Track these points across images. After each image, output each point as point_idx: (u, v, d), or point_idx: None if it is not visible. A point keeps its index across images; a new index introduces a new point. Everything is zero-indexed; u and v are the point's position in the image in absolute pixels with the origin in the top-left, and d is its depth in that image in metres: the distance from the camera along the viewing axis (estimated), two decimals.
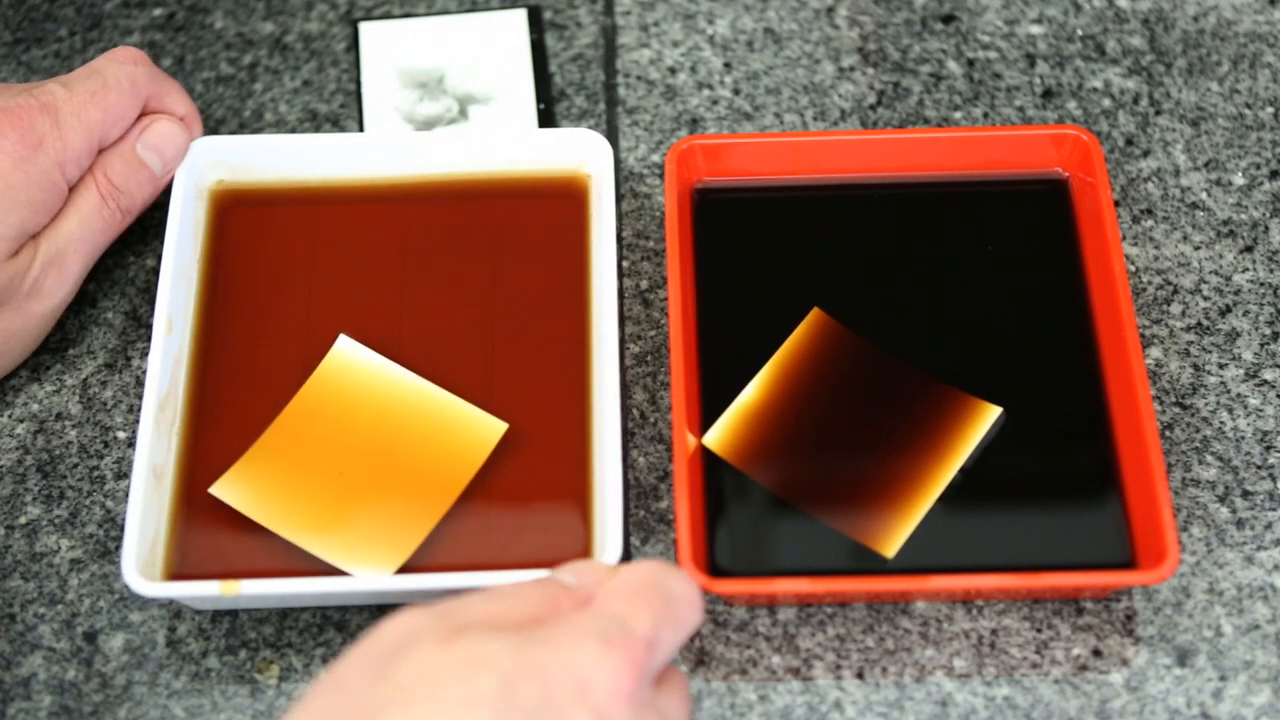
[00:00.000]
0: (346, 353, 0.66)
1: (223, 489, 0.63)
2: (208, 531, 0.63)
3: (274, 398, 0.65)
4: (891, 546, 0.62)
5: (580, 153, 0.69)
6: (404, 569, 0.61)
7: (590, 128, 0.74)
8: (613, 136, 0.74)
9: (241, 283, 0.68)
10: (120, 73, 0.66)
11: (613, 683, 0.48)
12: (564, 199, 0.69)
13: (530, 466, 0.64)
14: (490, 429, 0.64)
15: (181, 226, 0.67)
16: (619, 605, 0.50)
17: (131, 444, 0.67)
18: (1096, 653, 0.62)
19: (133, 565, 0.59)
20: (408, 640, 0.48)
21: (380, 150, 0.70)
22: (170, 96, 0.68)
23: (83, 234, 0.65)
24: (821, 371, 0.66)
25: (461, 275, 0.68)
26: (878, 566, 0.62)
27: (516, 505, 0.63)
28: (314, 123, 0.75)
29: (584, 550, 0.62)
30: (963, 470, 0.63)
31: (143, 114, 0.67)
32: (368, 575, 0.61)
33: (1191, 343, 0.68)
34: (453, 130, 0.74)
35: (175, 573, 0.62)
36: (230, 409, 0.65)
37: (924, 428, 0.64)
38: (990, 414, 0.64)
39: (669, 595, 0.51)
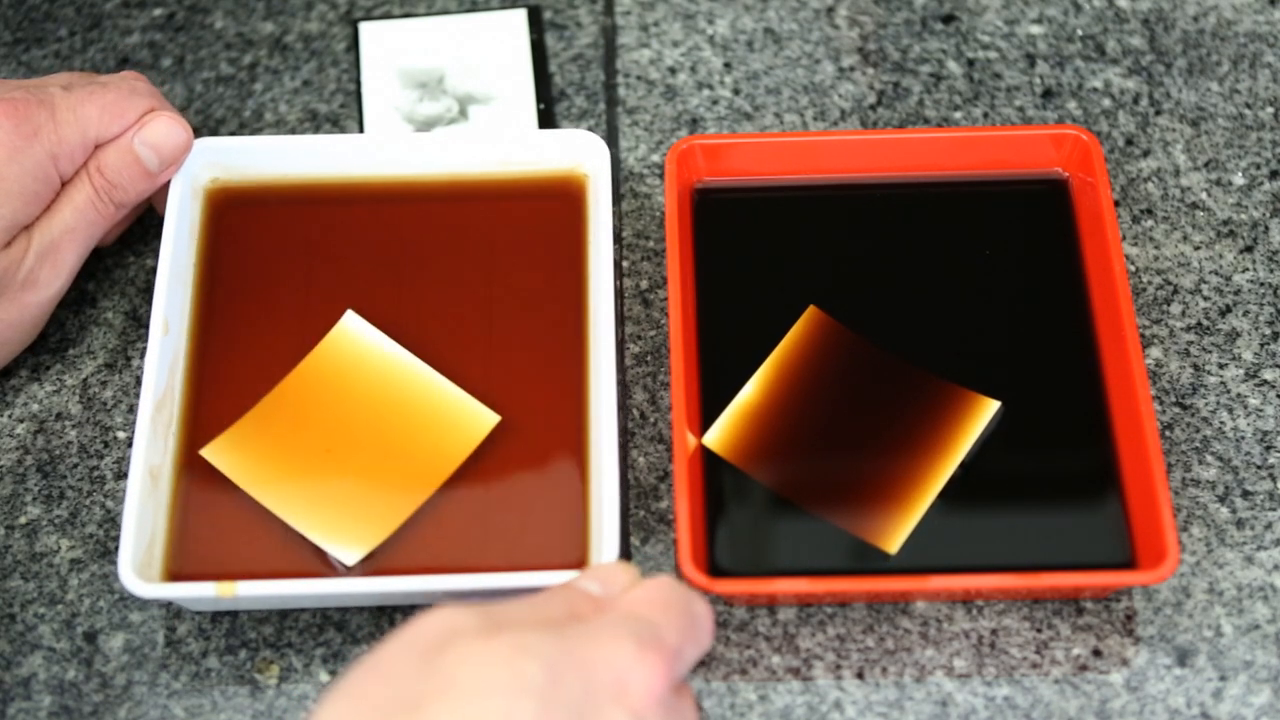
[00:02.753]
0: (352, 329, 0.66)
1: (213, 453, 0.63)
2: (205, 532, 0.63)
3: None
4: (894, 542, 0.62)
5: (577, 153, 0.69)
6: (388, 560, 0.62)
7: (590, 128, 0.74)
8: (613, 136, 0.74)
9: (239, 283, 0.68)
10: (121, 81, 0.66)
11: (648, 684, 0.48)
12: (561, 199, 0.69)
13: (528, 467, 0.64)
14: (482, 420, 0.64)
15: (178, 227, 0.67)
16: (651, 613, 0.51)
17: (131, 444, 0.67)
18: (1096, 653, 0.62)
19: (129, 566, 0.59)
20: (450, 633, 0.49)
21: (376, 150, 0.70)
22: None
23: (76, 224, 0.65)
24: (819, 369, 0.66)
25: (458, 276, 0.68)
26: (879, 565, 0.62)
27: (514, 506, 0.63)
28: (314, 123, 0.75)
29: (581, 550, 0.62)
30: (963, 467, 0.63)
31: None
32: (339, 552, 0.61)
33: (1191, 343, 0.68)
34: (450, 131, 0.74)
35: (173, 573, 0.62)
36: (227, 409, 0.65)
37: (923, 423, 0.64)
38: (989, 408, 0.64)
39: (691, 613, 0.52)
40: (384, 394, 0.65)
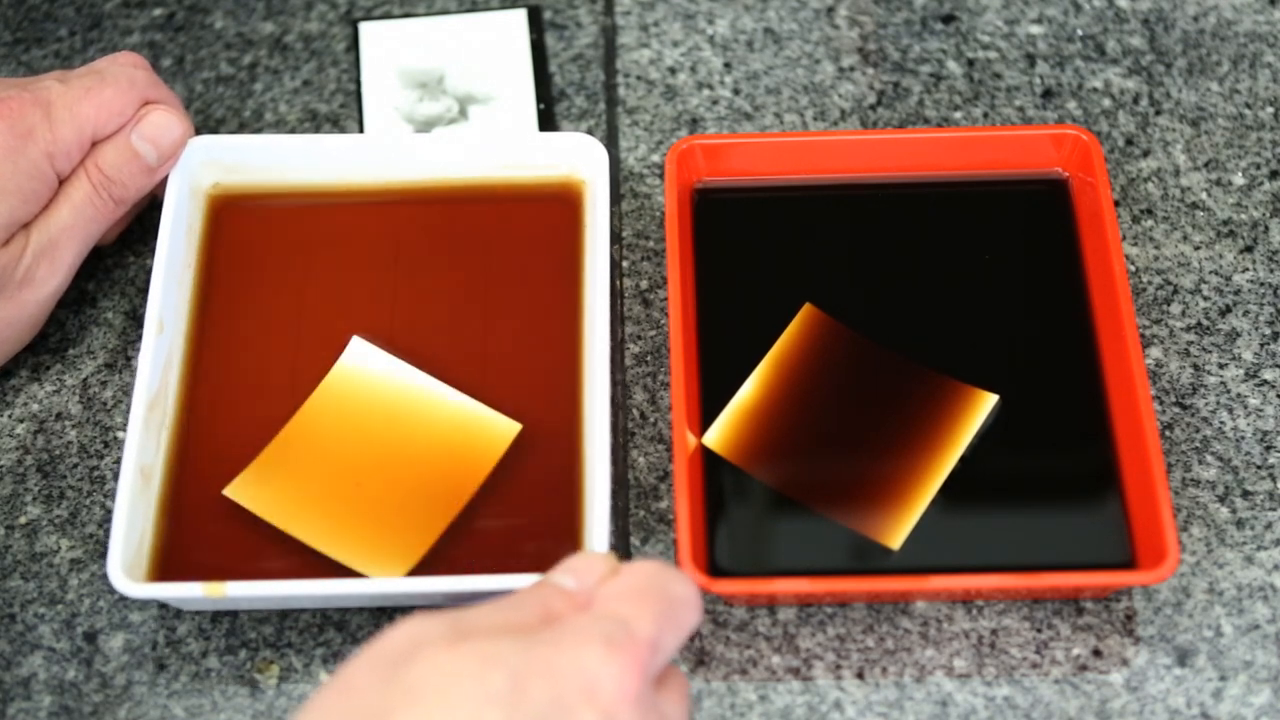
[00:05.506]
0: (361, 355, 0.66)
1: (236, 491, 0.63)
2: (196, 532, 0.63)
3: (266, 398, 0.65)
4: (896, 537, 0.62)
5: (575, 157, 0.69)
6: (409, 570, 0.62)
7: (590, 128, 0.74)
8: (613, 136, 0.74)
9: (235, 283, 0.68)
10: (119, 71, 0.66)
11: (618, 684, 0.48)
12: (559, 203, 0.69)
13: (522, 470, 0.64)
14: (503, 430, 0.64)
15: (175, 226, 0.67)
16: (621, 607, 0.50)
17: None
18: (1096, 653, 0.62)
19: (118, 565, 0.59)
20: (416, 644, 0.48)
21: (374, 152, 0.70)
22: (168, 103, 0.68)
23: (74, 222, 0.65)
24: (817, 366, 0.66)
25: (456, 278, 0.68)
26: (879, 564, 0.62)
27: (508, 507, 0.63)
28: (314, 123, 0.75)
29: (573, 551, 0.62)
30: (964, 467, 0.63)
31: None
32: (378, 577, 0.61)
33: (1191, 343, 0.68)
34: (447, 133, 0.74)
35: (163, 573, 0.61)
36: (222, 410, 0.65)
37: (922, 417, 0.64)
38: (986, 402, 0.64)
39: (670, 597, 0.51)
40: (402, 415, 0.65)
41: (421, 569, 0.61)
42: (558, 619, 0.50)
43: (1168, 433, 0.66)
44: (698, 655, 0.62)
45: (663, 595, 0.51)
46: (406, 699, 0.47)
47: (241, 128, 0.75)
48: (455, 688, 0.47)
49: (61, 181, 0.65)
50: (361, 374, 0.65)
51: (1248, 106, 0.74)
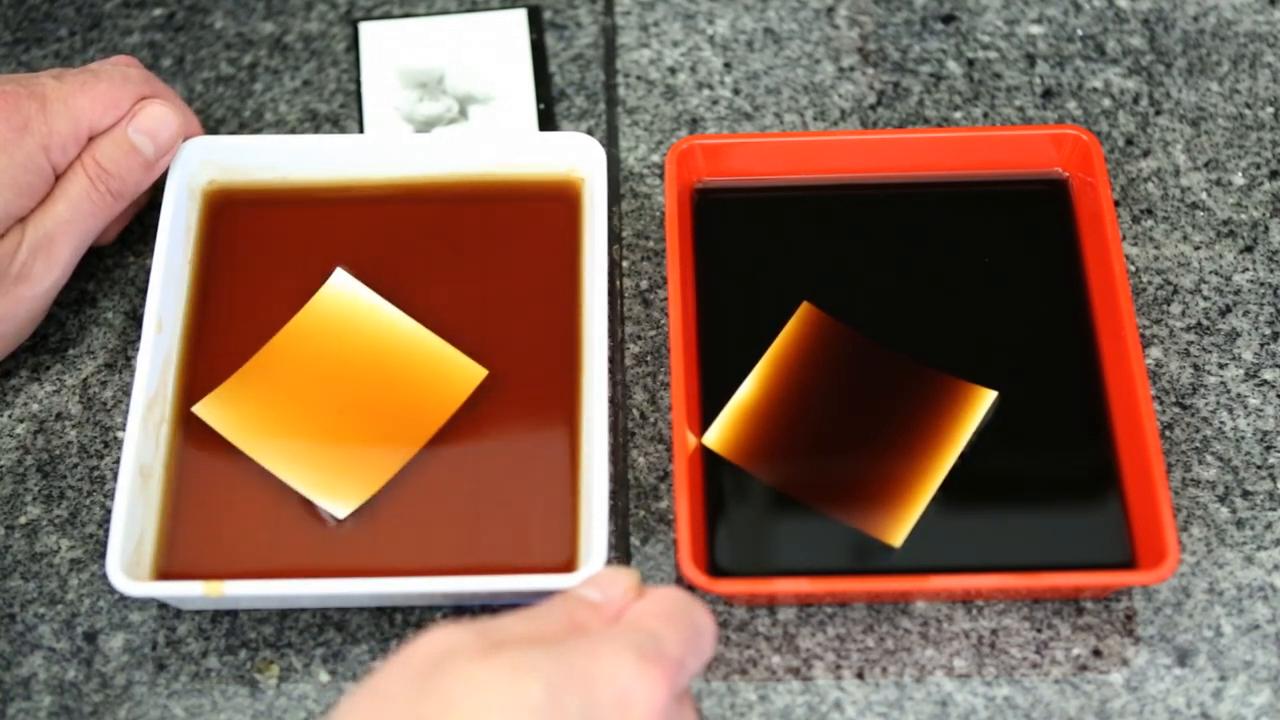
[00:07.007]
0: (341, 287, 0.67)
1: (205, 410, 0.64)
2: (195, 531, 0.63)
3: None
4: (898, 535, 0.62)
5: (573, 156, 0.69)
6: (380, 557, 0.62)
7: (590, 128, 0.74)
8: (613, 136, 0.74)
9: (234, 283, 0.68)
10: (114, 70, 0.66)
11: (650, 697, 0.48)
12: (557, 202, 0.69)
13: (521, 467, 0.64)
14: (470, 373, 0.65)
15: (173, 226, 0.67)
16: (653, 624, 0.50)
17: None
18: (1096, 653, 0.62)
19: (118, 564, 0.59)
20: (447, 653, 0.48)
21: (374, 152, 0.70)
22: (165, 99, 0.68)
23: (71, 217, 0.65)
24: (816, 365, 0.66)
25: (455, 278, 0.68)
26: (880, 563, 0.62)
27: (506, 505, 0.63)
28: (314, 123, 0.75)
29: (571, 551, 0.62)
30: (964, 467, 0.63)
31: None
32: (332, 506, 0.62)
33: (1191, 343, 0.68)
34: (446, 133, 0.74)
35: (162, 572, 0.62)
36: None
37: (922, 415, 0.64)
38: (986, 398, 0.64)
39: (695, 624, 0.52)
40: (373, 350, 0.66)
41: (399, 571, 0.61)
42: (584, 630, 0.50)
43: (1168, 433, 0.66)
44: None
45: (688, 621, 0.51)
46: (440, 710, 0.46)
47: (241, 128, 0.75)
48: (489, 698, 0.47)
49: (58, 176, 0.65)
50: (340, 306, 0.67)
51: (1248, 106, 0.74)
